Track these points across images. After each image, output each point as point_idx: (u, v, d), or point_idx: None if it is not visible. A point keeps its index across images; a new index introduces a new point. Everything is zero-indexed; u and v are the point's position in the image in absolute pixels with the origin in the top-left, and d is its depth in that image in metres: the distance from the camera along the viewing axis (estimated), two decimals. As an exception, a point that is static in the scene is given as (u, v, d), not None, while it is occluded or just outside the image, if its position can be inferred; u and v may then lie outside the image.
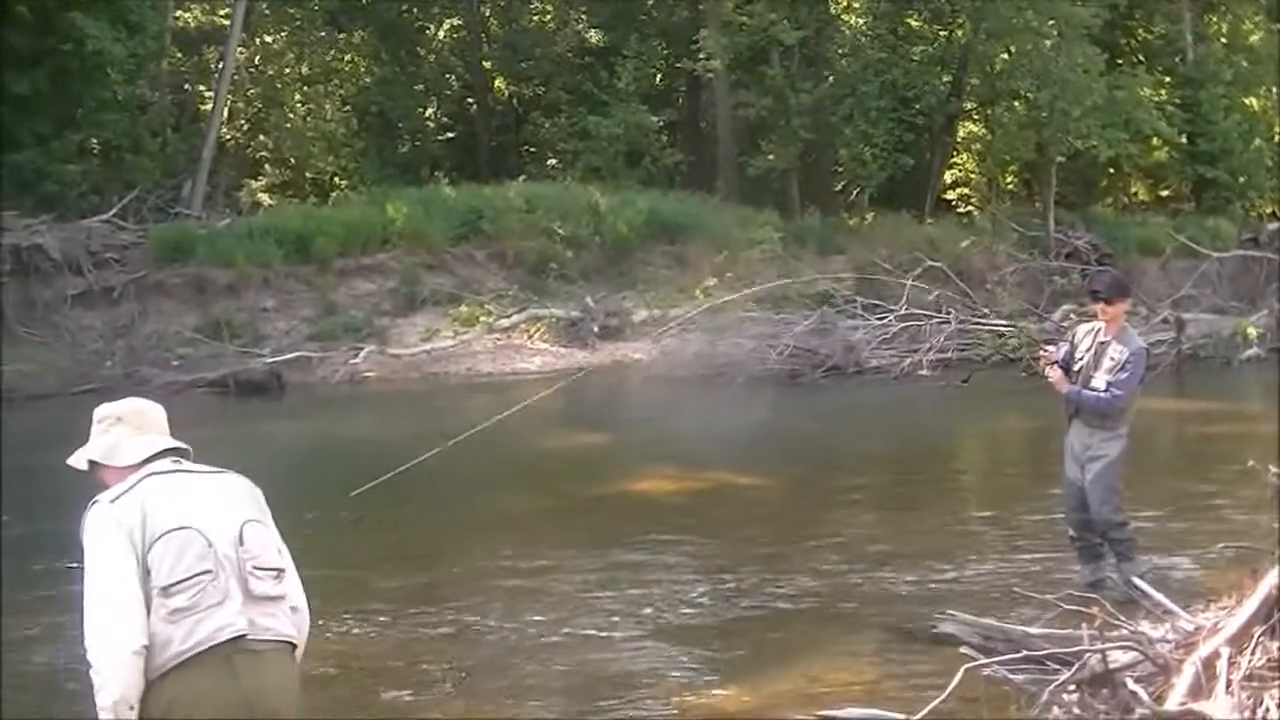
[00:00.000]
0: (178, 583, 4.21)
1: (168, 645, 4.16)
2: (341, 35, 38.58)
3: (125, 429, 4.59)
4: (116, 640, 4.13)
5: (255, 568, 4.36)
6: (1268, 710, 5.51)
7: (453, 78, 40.97)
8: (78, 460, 4.61)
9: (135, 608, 4.17)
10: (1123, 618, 6.92)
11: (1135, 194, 40.09)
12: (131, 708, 4.14)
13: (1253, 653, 5.95)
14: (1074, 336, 9.56)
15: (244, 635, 4.25)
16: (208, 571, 4.26)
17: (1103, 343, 9.18)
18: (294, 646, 4.45)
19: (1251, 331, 25.23)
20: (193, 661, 4.17)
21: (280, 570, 4.47)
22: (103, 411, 4.65)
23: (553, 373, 24.20)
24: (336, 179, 36.49)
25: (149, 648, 4.16)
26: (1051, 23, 31.38)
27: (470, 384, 23.48)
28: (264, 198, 34.37)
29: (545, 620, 9.16)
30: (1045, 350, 9.71)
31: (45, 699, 7.82)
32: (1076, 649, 6.56)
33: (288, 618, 4.44)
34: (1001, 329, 24.51)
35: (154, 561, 4.23)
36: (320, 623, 8.26)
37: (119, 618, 4.16)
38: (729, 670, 8.09)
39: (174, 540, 4.26)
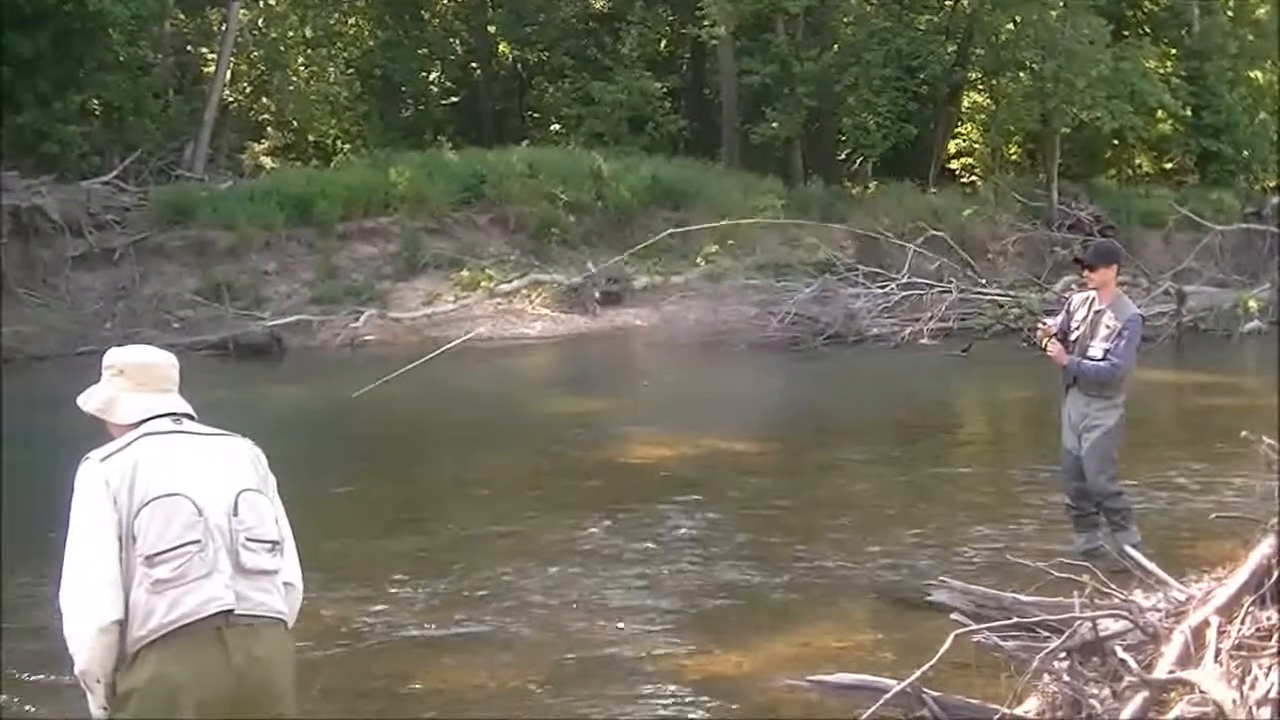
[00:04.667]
0: (163, 552, 4.00)
1: (150, 617, 3.97)
2: (345, -2, 38.49)
3: (124, 383, 4.32)
4: (85, 615, 3.99)
5: (249, 539, 4.14)
6: (1255, 679, 5.52)
7: (456, 42, 40.84)
8: (83, 403, 4.38)
9: (108, 581, 4.00)
10: (1114, 586, 6.92)
11: (1139, 166, 39.97)
12: (99, 680, 4.03)
13: (1242, 622, 5.95)
14: (1069, 305, 9.53)
15: (231, 610, 4.04)
16: (195, 542, 4.04)
17: (1098, 311, 9.14)
18: (285, 623, 4.23)
19: (1253, 305, 25.22)
20: (180, 634, 3.97)
21: (276, 543, 4.24)
22: (110, 358, 4.40)
23: (553, 338, 24.27)
24: (339, 142, 36.49)
25: (130, 618, 3.99)
26: (1058, -7, 31.31)
27: (470, 348, 23.43)
28: (266, 160, 34.35)
29: (539, 584, 9.19)
30: (1043, 323, 9.61)
31: (47, 661, 7.78)
32: (1067, 616, 6.56)
33: (279, 593, 4.21)
34: (1002, 299, 24.53)
35: (140, 528, 4.02)
36: (314, 589, 8.33)
37: (90, 591, 4.00)
38: (722, 634, 8.11)
39: (162, 507, 4.04)
